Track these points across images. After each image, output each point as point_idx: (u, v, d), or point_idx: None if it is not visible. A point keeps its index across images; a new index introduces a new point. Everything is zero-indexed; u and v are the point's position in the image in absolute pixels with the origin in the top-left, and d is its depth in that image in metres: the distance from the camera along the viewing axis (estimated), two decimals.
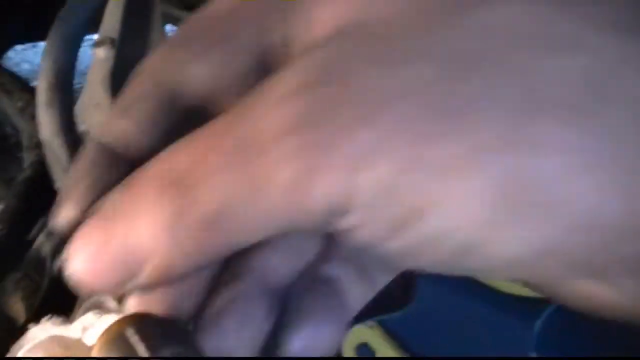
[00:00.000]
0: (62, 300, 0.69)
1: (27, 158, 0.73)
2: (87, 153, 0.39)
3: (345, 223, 0.31)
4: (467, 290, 0.99)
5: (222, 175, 0.32)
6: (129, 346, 0.47)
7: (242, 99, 0.33)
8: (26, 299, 0.87)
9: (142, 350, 0.46)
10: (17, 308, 0.88)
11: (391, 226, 0.31)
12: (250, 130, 0.32)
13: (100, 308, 0.73)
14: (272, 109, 0.32)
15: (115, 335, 0.48)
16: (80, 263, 0.34)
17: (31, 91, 0.80)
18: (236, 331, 0.40)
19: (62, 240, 0.93)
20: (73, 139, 0.67)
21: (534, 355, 0.94)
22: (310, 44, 0.34)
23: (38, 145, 0.74)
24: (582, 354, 0.98)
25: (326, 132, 0.30)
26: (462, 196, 0.29)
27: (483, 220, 0.30)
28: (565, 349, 0.97)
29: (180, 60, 0.38)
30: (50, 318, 0.69)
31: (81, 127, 0.80)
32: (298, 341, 0.39)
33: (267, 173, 0.31)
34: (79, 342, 0.62)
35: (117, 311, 0.64)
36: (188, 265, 0.34)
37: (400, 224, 0.31)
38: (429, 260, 0.32)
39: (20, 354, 0.59)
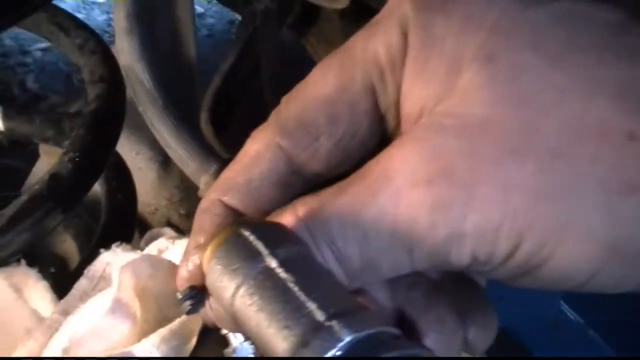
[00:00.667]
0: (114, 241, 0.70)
1: (91, 92, 0.74)
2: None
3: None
4: None
5: None
6: (248, 244, 0.48)
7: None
8: (76, 237, 0.88)
9: (260, 247, 0.48)
10: (67, 246, 0.89)
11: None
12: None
13: (163, 236, 0.75)
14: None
15: (231, 234, 0.50)
16: None
17: (87, 28, 0.81)
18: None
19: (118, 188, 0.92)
20: (155, 62, 0.69)
21: None
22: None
23: (101, 78, 0.74)
24: (608, 303, 1.01)
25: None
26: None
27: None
28: (590, 297, 0.99)
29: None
30: (120, 245, 0.70)
31: None
32: None
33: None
34: (164, 261, 0.64)
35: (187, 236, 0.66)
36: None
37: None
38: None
39: (114, 272, 0.61)
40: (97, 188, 0.87)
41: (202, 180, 0.63)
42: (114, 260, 0.68)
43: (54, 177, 0.68)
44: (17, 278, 0.67)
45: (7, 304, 0.66)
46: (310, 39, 1.24)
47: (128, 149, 0.96)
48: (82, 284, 0.69)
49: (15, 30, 2.08)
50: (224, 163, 0.65)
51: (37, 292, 0.69)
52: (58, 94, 1.89)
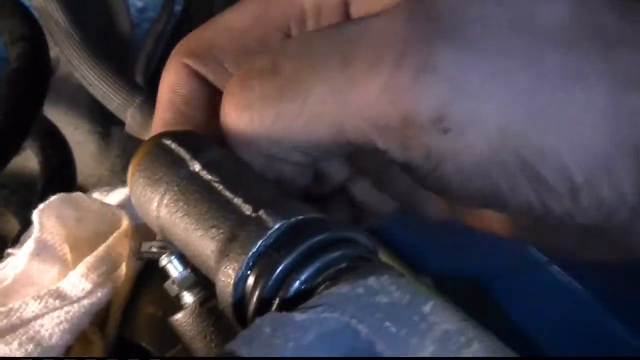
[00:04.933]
0: None
1: (12, 52, 0.71)
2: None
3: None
4: None
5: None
6: (170, 152, 0.46)
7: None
8: (17, 214, 0.85)
9: (183, 153, 0.45)
10: (10, 226, 0.86)
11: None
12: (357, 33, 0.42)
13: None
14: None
15: (153, 145, 0.47)
16: None
17: None
18: None
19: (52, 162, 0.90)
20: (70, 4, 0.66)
21: None
22: None
23: (22, 37, 0.72)
24: None
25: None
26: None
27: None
28: None
29: None
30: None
31: None
32: None
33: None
34: (94, 202, 0.61)
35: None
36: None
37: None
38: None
39: (34, 215, 0.58)
40: (34, 162, 0.84)
41: (128, 114, 0.61)
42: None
43: None
44: None
45: None
46: None
47: (66, 124, 0.93)
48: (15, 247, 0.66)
49: None
50: (147, 94, 0.62)
51: None
52: None
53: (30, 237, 0.58)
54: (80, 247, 0.59)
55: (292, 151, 0.44)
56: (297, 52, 0.43)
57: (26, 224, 0.82)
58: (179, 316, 0.49)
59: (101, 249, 0.56)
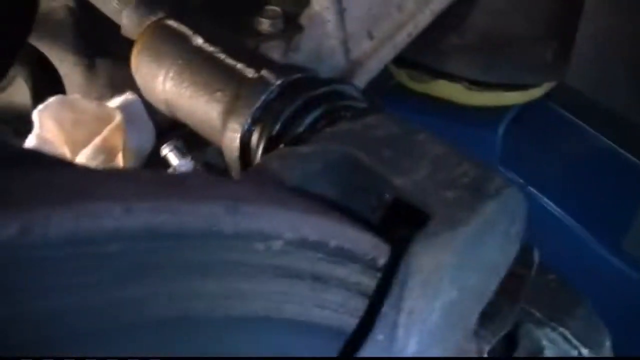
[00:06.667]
0: None
1: None
2: None
3: None
4: (426, 107, 1.03)
5: None
6: (172, 30, 0.49)
7: None
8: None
9: (185, 30, 0.48)
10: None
11: None
12: None
13: None
14: None
15: (155, 25, 0.50)
16: None
17: None
18: None
19: None
20: None
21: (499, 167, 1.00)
22: None
23: None
24: (543, 161, 1.04)
25: None
26: None
27: None
28: (526, 157, 1.03)
29: None
30: None
31: None
32: None
33: None
34: (83, 100, 0.64)
35: None
36: None
37: None
38: None
39: (34, 114, 0.60)
40: (23, 95, 0.87)
41: (123, 15, 0.63)
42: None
43: None
44: None
45: None
46: None
47: (51, 58, 0.95)
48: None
49: None
50: None
51: None
52: None
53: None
54: (78, 146, 0.62)
55: None
56: None
57: None
58: None
59: (97, 140, 0.59)
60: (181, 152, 0.54)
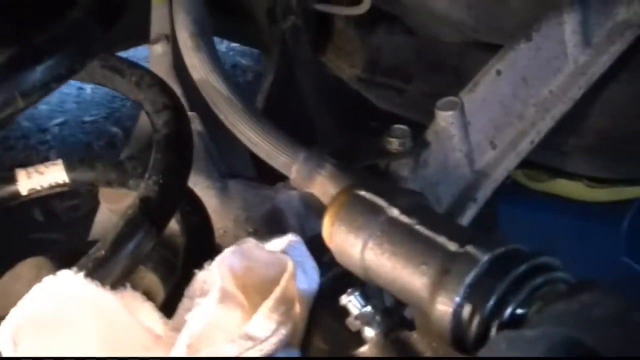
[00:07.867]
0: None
1: (158, 120, 0.78)
2: None
3: None
4: (546, 205, 1.04)
5: None
6: (366, 201, 0.52)
7: None
8: (155, 270, 0.91)
9: (380, 201, 0.52)
10: (148, 281, 0.92)
11: None
12: None
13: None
14: None
15: (348, 195, 0.53)
16: None
17: (139, 66, 0.85)
18: None
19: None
20: (226, 75, 0.73)
21: (625, 259, 1.00)
22: None
23: (165, 106, 0.79)
24: None
25: None
26: None
27: None
28: None
29: None
30: (210, 263, 0.74)
31: None
32: None
33: None
34: (255, 248, 0.67)
35: None
36: None
37: None
38: None
39: (214, 266, 0.64)
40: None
41: (293, 170, 0.67)
42: (209, 277, 0.71)
43: (144, 200, 0.72)
44: (126, 300, 0.71)
45: (124, 323, 0.69)
46: (329, 55, 1.28)
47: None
48: (184, 303, 0.73)
49: (30, 111, 2.15)
50: (308, 151, 0.69)
51: (145, 312, 0.72)
52: None
53: (194, 288, 0.64)
54: (250, 293, 0.65)
55: None
56: None
57: (168, 281, 0.89)
58: (364, 349, 0.55)
59: (277, 291, 0.63)
60: (361, 300, 0.56)
